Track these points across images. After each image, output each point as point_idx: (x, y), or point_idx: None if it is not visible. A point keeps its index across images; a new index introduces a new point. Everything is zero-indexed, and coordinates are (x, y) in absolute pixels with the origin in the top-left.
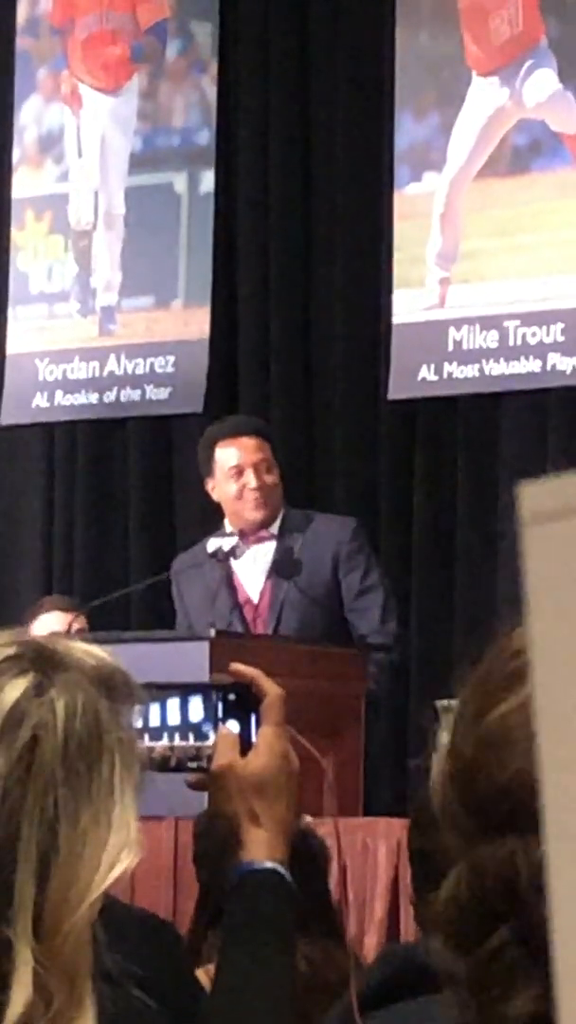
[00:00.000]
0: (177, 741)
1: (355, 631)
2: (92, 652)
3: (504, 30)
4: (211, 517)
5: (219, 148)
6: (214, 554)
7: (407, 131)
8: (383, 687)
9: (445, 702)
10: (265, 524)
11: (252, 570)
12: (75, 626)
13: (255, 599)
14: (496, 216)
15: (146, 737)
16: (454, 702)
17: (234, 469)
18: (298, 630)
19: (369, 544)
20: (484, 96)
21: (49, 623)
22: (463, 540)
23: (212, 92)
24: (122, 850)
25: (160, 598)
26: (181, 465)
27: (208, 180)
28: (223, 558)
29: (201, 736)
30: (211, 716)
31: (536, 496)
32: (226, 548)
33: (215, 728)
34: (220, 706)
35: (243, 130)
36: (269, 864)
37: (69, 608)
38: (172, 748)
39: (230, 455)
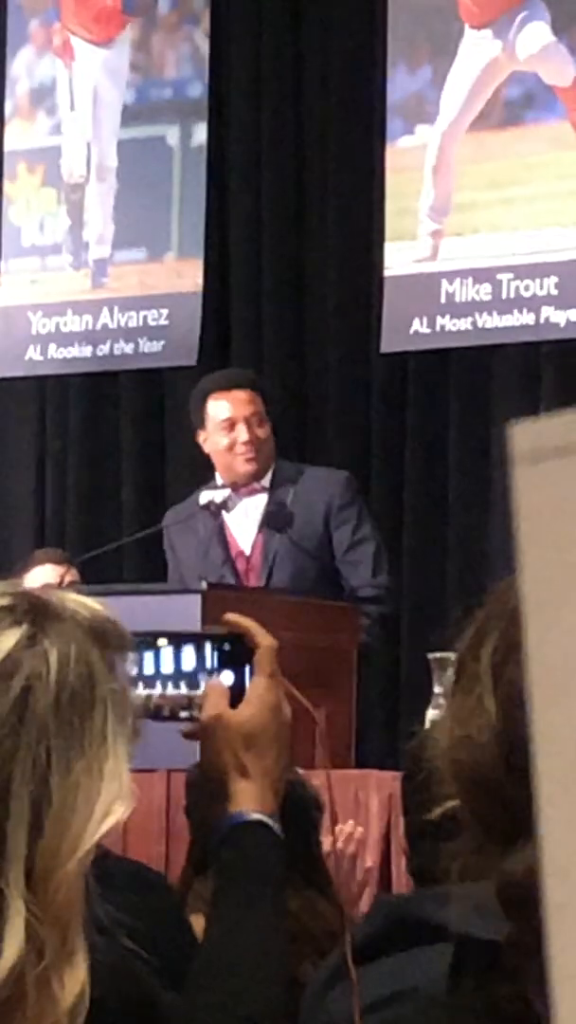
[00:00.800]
0: (170, 690)
1: (346, 583)
2: (85, 603)
3: None
4: (203, 470)
5: (212, 101)
6: (206, 506)
7: (400, 84)
8: (375, 639)
9: (437, 654)
10: (256, 478)
11: (244, 523)
12: (67, 579)
13: (247, 552)
14: (489, 169)
15: (140, 685)
16: (446, 654)
17: (226, 422)
18: (290, 583)
19: (361, 497)
20: (477, 49)
21: (41, 576)
22: (455, 492)
23: (204, 45)
24: (115, 801)
25: (152, 551)
26: (174, 418)
27: (201, 133)
28: (215, 511)
29: (194, 685)
30: (204, 666)
31: (526, 435)
32: (218, 501)
33: (208, 678)
34: (215, 656)
35: (235, 83)
36: (256, 815)
37: (61, 561)
38: (164, 697)
39: (222, 408)
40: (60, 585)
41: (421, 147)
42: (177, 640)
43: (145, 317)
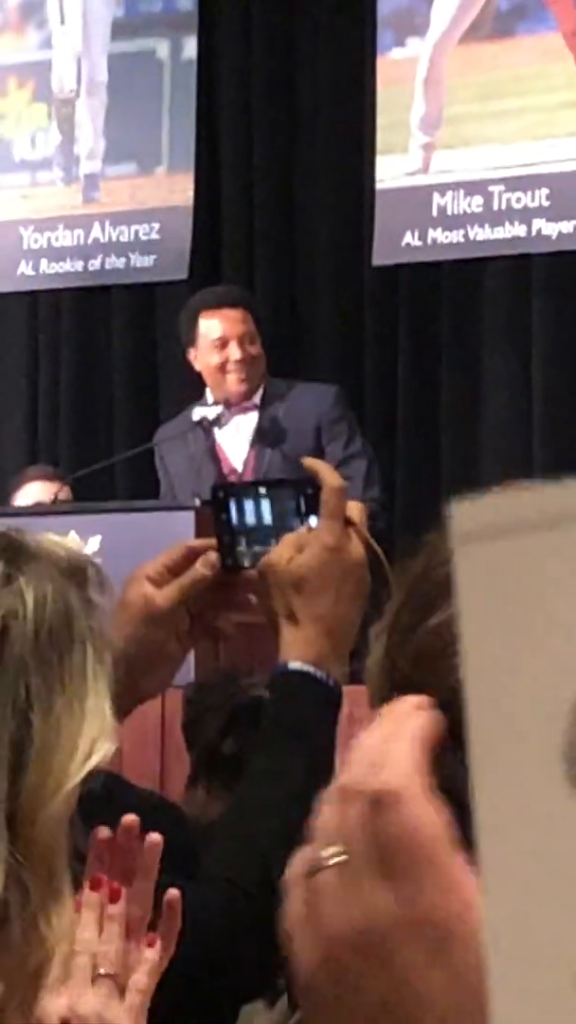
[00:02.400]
0: (253, 546)
1: None
2: (62, 544)
3: None
4: (195, 386)
5: (202, 14)
6: (199, 423)
7: None
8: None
9: None
10: (248, 396)
11: (236, 439)
12: (60, 496)
13: (239, 468)
14: (480, 81)
15: (229, 536)
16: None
17: (218, 340)
18: None
19: (351, 411)
20: None
21: (34, 493)
22: (447, 405)
23: None
24: (97, 739)
25: (144, 467)
26: (165, 333)
27: (191, 46)
28: (207, 427)
29: (286, 532)
30: (292, 513)
31: (468, 514)
32: (211, 418)
33: (300, 524)
34: (301, 502)
35: None
36: (296, 664)
37: (54, 478)
38: (239, 551)
39: (213, 326)
40: (53, 502)
41: (412, 59)
42: (260, 490)
43: (136, 231)
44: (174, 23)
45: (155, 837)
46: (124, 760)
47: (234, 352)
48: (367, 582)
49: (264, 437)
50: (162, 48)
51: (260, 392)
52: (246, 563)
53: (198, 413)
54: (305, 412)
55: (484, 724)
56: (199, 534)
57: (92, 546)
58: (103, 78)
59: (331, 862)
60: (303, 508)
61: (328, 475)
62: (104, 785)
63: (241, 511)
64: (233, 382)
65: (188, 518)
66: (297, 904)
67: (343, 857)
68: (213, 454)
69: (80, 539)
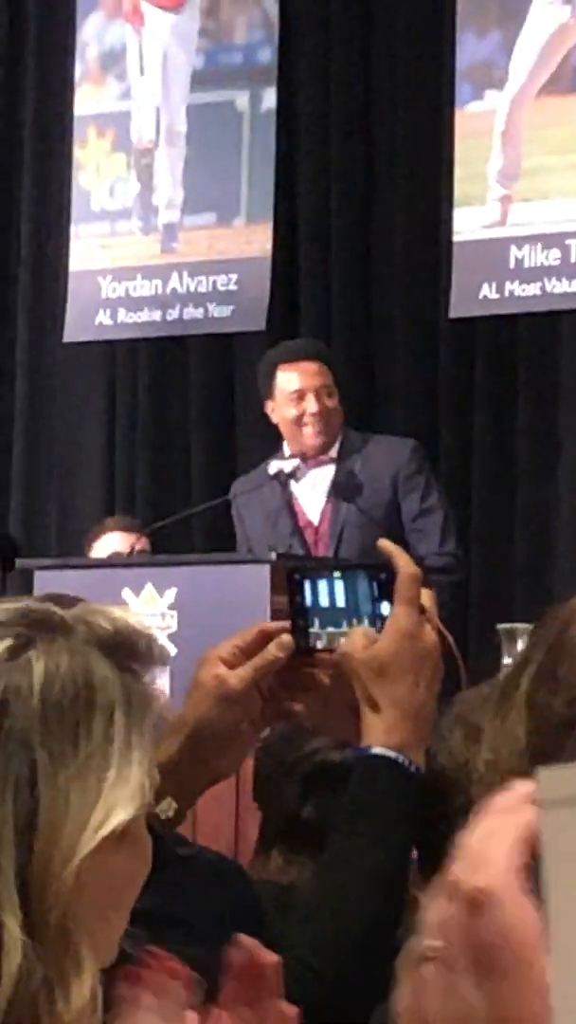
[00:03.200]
0: (326, 627)
1: (414, 553)
2: (112, 616)
3: None
4: (272, 438)
5: (281, 66)
6: (275, 476)
7: (469, 49)
8: (444, 609)
9: (507, 625)
10: (324, 449)
11: (312, 493)
12: (137, 547)
13: (315, 522)
14: (558, 134)
15: (301, 617)
16: (515, 625)
17: (295, 394)
18: (359, 553)
19: (428, 465)
20: (546, 13)
21: (111, 544)
22: (523, 459)
23: (274, 9)
24: (115, 806)
25: (222, 520)
26: (243, 384)
27: (270, 98)
28: (284, 481)
29: (354, 618)
30: (364, 598)
31: (554, 781)
32: (287, 471)
33: (372, 608)
34: (374, 588)
35: (305, 48)
36: (378, 750)
37: (131, 529)
38: (313, 633)
39: (291, 379)
40: (130, 553)
41: (490, 112)
42: (335, 572)
43: (214, 282)
44: (254, 75)
45: (274, 958)
46: (198, 819)
47: (311, 405)
48: (441, 668)
49: (340, 490)
50: (241, 99)
51: (337, 445)
52: (319, 644)
53: (275, 466)
54: (382, 465)
55: (570, 981)
56: (274, 588)
57: (168, 599)
58: (182, 128)
59: (432, 955)
60: (376, 592)
61: (403, 561)
62: (165, 846)
63: (315, 592)
64: (310, 435)
65: (264, 571)
66: (405, 993)
67: (442, 953)
68: (289, 507)
69: (156, 591)
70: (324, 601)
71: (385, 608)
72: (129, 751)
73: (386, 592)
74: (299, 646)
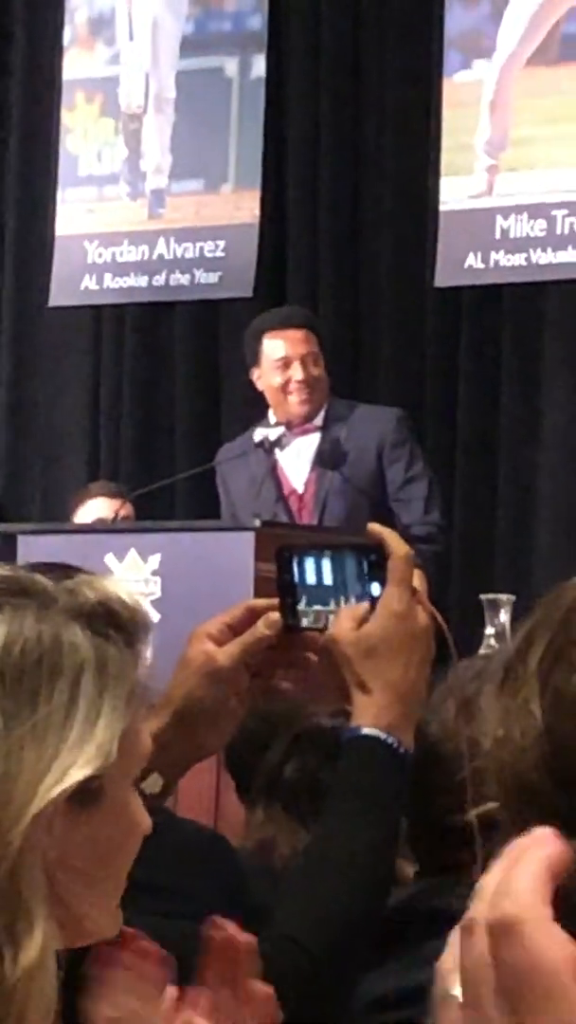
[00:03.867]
0: (312, 605)
1: (398, 521)
2: (97, 586)
3: None
4: (258, 405)
5: (271, 33)
6: (260, 444)
7: (457, 18)
8: (427, 577)
9: (490, 595)
10: (310, 417)
11: (297, 461)
12: (121, 514)
13: (300, 490)
14: (545, 104)
15: (290, 594)
16: (498, 595)
17: (281, 361)
18: (343, 521)
19: (413, 434)
20: None
21: (96, 509)
22: (507, 428)
23: None
24: (71, 767)
25: (206, 487)
26: (229, 350)
27: (259, 65)
28: (269, 448)
29: (342, 597)
30: (353, 578)
31: None
32: (272, 438)
33: (361, 588)
34: (364, 568)
35: (295, 15)
36: (367, 730)
37: (116, 495)
38: (303, 611)
39: (277, 347)
40: (114, 519)
41: (478, 82)
42: (325, 551)
43: (201, 248)
44: (243, 41)
45: (249, 939)
46: (180, 790)
47: (296, 372)
48: (433, 649)
49: (325, 459)
50: (231, 66)
51: (322, 414)
52: (306, 623)
53: (260, 434)
54: (367, 434)
55: None
56: (258, 555)
57: (152, 565)
58: (171, 95)
59: (456, 996)
60: (365, 572)
61: (395, 542)
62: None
63: (303, 570)
64: (295, 403)
65: (248, 538)
66: None
67: (466, 997)
68: (274, 475)
69: (140, 557)
70: (312, 579)
71: (375, 588)
72: (96, 714)
73: (375, 572)
74: (287, 624)
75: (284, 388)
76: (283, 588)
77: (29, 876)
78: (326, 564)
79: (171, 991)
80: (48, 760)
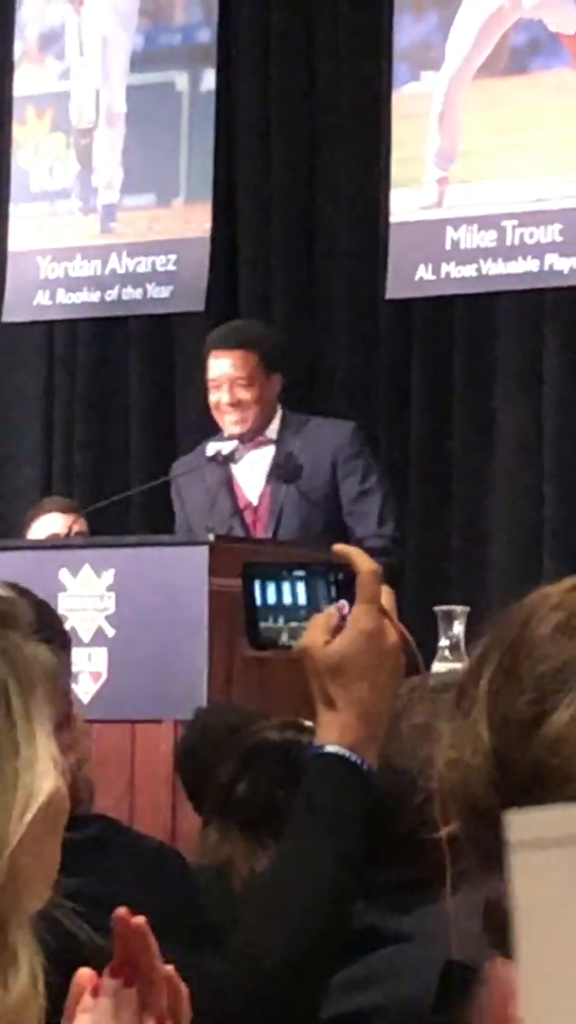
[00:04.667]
0: (289, 623)
1: (352, 534)
2: None
3: None
4: (212, 418)
5: (220, 46)
6: (213, 458)
7: (406, 30)
8: None
9: (443, 607)
10: (249, 436)
11: (251, 474)
12: (75, 528)
13: (255, 503)
14: (494, 116)
15: (259, 615)
16: (452, 607)
17: (213, 381)
18: (298, 534)
19: (367, 447)
20: None
21: (49, 525)
22: (460, 439)
23: None
24: (33, 792)
25: (160, 501)
26: (182, 364)
27: (209, 78)
28: (222, 462)
29: (311, 616)
30: (322, 597)
31: (524, 824)
32: (225, 452)
33: (327, 608)
34: (332, 587)
35: (244, 28)
36: (332, 748)
37: (69, 510)
38: (272, 628)
39: (212, 367)
40: (68, 534)
41: (427, 94)
42: (294, 571)
43: (153, 262)
44: (193, 55)
45: (138, 921)
46: (136, 795)
47: (223, 395)
48: (402, 668)
49: (280, 472)
50: (181, 80)
51: (276, 427)
52: (284, 639)
53: (212, 448)
54: (321, 447)
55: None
56: (213, 569)
57: (106, 580)
58: (122, 109)
59: None
60: (332, 592)
61: (362, 561)
62: (101, 832)
63: (268, 590)
64: (226, 423)
65: (202, 553)
66: None
67: None
68: (229, 488)
69: (94, 573)
70: (287, 598)
71: (345, 607)
72: (31, 728)
73: (343, 590)
74: (252, 640)
75: (216, 407)
76: (247, 605)
77: (14, 903)
78: (297, 582)
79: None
80: (12, 789)
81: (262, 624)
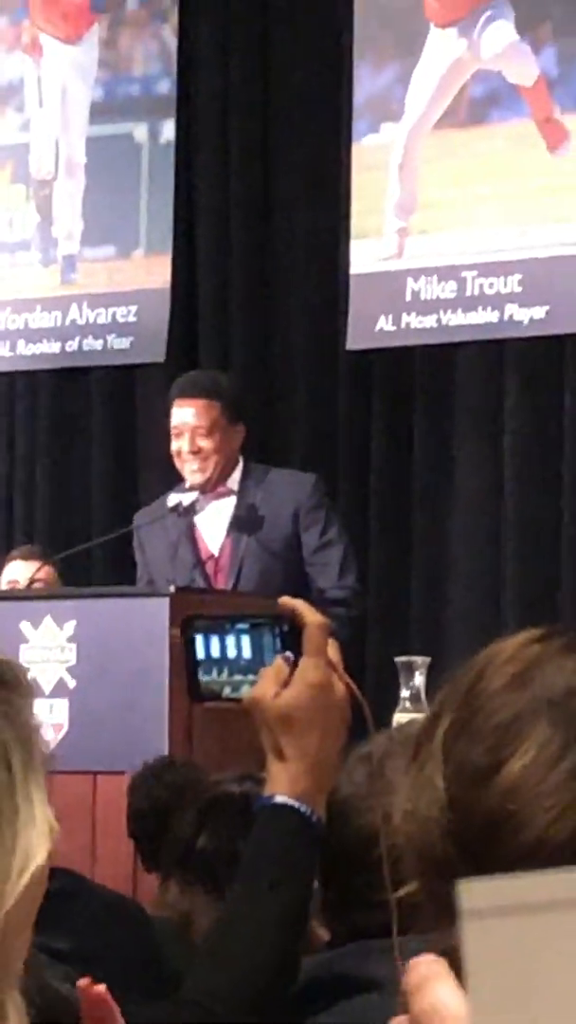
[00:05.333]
0: (233, 676)
1: (313, 585)
2: None
3: None
4: (174, 468)
5: (180, 98)
6: (174, 509)
7: (366, 82)
8: (342, 641)
9: (404, 658)
10: (209, 485)
11: (213, 525)
12: (40, 576)
13: (216, 554)
14: (454, 167)
15: (204, 669)
16: (413, 658)
17: (175, 430)
18: (259, 585)
19: (328, 499)
20: (442, 47)
21: (15, 572)
22: (420, 490)
23: (173, 42)
24: (30, 854)
25: (123, 551)
26: (144, 415)
27: (168, 129)
28: (183, 513)
29: (258, 669)
30: (270, 649)
31: (476, 892)
32: (186, 503)
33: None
34: (278, 640)
35: (203, 80)
36: (282, 799)
37: (32, 557)
38: (217, 681)
39: (175, 415)
40: (31, 583)
41: (387, 145)
42: (240, 624)
43: (114, 313)
44: (152, 106)
45: (99, 990)
46: (98, 859)
47: (185, 444)
48: (348, 720)
49: (241, 523)
50: (140, 131)
51: (237, 477)
52: (227, 692)
53: (173, 499)
54: (282, 499)
55: None
56: (173, 620)
57: (67, 631)
58: (81, 161)
59: None
60: (279, 645)
61: (309, 613)
62: (64, 887)
63: (211, 643)
64: (187, 471)
65: (163, 604)
66: None
67: None
68: (190, 539)
69: (55, 624)
70: (232, 652)
71: (289, 656)
72: (30, 790)
73: (290, 643)
74: (191, 693)
75: (178, 456)
76: (185, 660)
77: (6, 961)
78: (242, 635)
79: None
80: (9, 852)
81: (204, 677)
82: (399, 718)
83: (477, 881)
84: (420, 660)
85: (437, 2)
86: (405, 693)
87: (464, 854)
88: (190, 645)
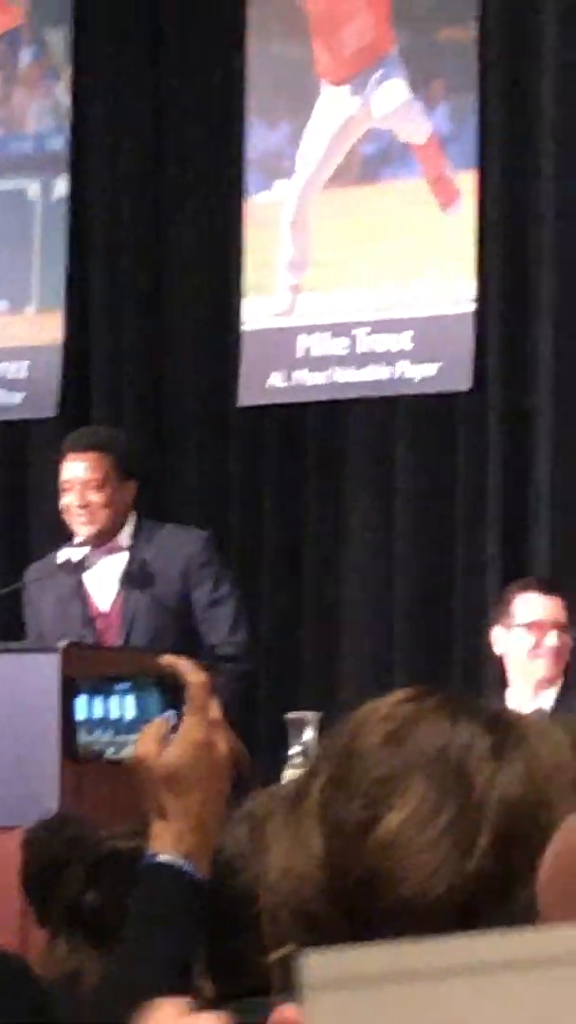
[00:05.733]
0: (117, 736)
1: (205, 641)
2: None
3: (354, 40)
4: (65, 525)
5: (72, 154)
6: (64, 565)
7: (258, 139)
8: (232, 697)
9: (293, 714)
10: (100, 538)
11: (103, 581)
12: None
13: (106, 610)
14: (346, 224)
15: (92, 731)
16: (303, 714)
17: (64, 484)
18: (149, 641)
19: (220, 555)
20: (334, 105)
21: None
22: (311, 546)
23: (66, 99)
24: None
25: (13, 608)
26: (35, 470)
27: (61, 186)
28: (73, 570)
29: (139, 728)
30: (151, 709)
31: (318, 965)
32: (76, 559)
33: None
34: (160, 698)
35: (96, 136)
36: (165, 857)
37: None
38: (100, 742)
39: (65, 468)
40: None
41: (279, 202)
42: (122, 684)
43: (5, 369)
44: (44, 163)
45: None
46: None
47: (74, 498)
48: (233, 777)
49: (132, 579)
50: (32, 188)
51: (129, 533)
52: (110, 752)
53: (63, 555)
54: (173, 555)
55: None
56: (64, 676)
57: None
58: None
59: None
60: (163, 703)
61: (190, 672)
62: None
63: (94, 704)
64: (75, 524)
65: (54, 660)
66: None
67: None
68: (81, 595)
69: None
70: (115, 712)
71: (170, 715)
72: None
73: (173, 701)
74: (69, 753)
75: (66, 510)
76: (63, 722)
77: None
78: (125, 695)
79: None
80: None
81: (85, 739)
82: (289, 775)
83: (318, 953)
84: (311, 716)
85: (330, 60)
86: (295, 749)
87: (339, 912)
88: (68, 706)
